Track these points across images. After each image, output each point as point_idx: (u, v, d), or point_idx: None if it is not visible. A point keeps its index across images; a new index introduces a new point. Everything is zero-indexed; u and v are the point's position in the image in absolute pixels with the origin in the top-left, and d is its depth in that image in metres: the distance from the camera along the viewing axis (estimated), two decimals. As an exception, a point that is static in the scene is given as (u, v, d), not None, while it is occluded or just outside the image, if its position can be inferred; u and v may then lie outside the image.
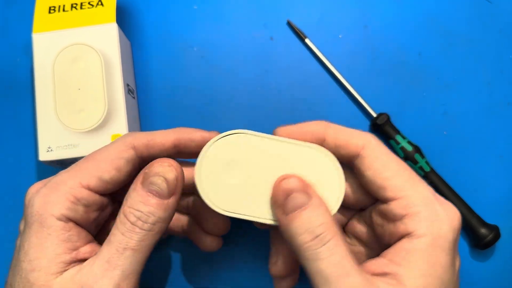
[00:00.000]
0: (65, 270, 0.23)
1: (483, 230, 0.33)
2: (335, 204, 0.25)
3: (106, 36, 0.34)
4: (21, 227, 0.25)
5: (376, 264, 0.24)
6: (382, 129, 0.36)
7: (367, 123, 0.37)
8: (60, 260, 0.23)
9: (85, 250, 0.24)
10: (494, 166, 0.36)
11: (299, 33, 0.38)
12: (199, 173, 0.25)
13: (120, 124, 0.33)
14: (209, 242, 0.30)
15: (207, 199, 0.25)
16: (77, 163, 0.26)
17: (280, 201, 0.24)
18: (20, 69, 0.38)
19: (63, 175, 0.25)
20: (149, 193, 0.23)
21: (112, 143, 0.26)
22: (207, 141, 0.25)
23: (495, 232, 0.33)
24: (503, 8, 0.39)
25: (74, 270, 0.23)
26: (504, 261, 0.35)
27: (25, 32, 0.37)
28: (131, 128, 0.34)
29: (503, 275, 0.35)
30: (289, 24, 0.39)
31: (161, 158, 0.25)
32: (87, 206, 0.25)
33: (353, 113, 0.37)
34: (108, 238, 0.24)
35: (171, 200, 0.24)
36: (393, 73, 0.38)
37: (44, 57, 0.33)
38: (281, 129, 0.27)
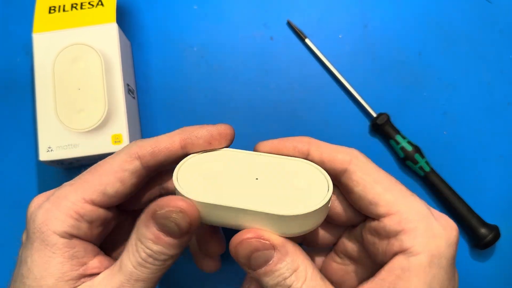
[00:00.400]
0: (75, 287, 0.23)
1: (483, 230, 0.33)
2: (326, 193, 0.23)
3: (106, 36, 0.34)
4: (24, 238, 0.25)
5: (369, 286, 0.23)
6: (382, 129, 0.36)
7: (367, 123, 0.37)
8: (68, 277, 0.23)
9: (93, 264, 0.24)
10: (494, 166, 0.36)
11: (299, 33, 0.38)
12: (176, 178, 0.24)
13: (120, 124, 0.33)
14: (208, 264, 0.29)
15: (179, 187, 0.23)
16: (81, 175, 0.25)
17: (244, 261, 0.23)
18: (20, 69, 0.38)
19: (66, 189, 0.24)
20: (160, 232, 0.22)
21: (116, 153, 0.25)
22: (215, 136, 0.25)
23: (495, 232, 0.33)
24: (503, 8, 0.39)
25: (84, 286, 0.23)
26: (504, 261, 0.35)
27: (25, 32, 0.37)
28: (131, 128, 0.34)
29: (503, 275, 0.35)
30: (289, 24, 0.39)
31: (176, 198, 0.22)
32: (90, 222, 0.24)
33: (353, 113, 0.37)
34: (119, 263, 0.23)
35: (184, 239, 0.23)
36: (393, 73, 0.38)
37: (44, 57, 0.33)
38: (262, 144, 0.26)
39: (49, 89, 0.33)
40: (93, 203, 0.24)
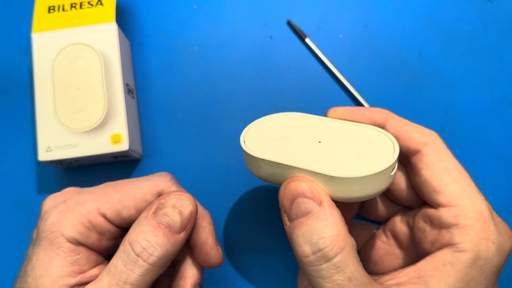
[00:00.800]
0: None
1: None
2: (385, 167, 0.22)
3: (106, 36, 0.34)
4: (34, 235, 0.25)
5: (406, 273, 0.22)
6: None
7: None
8: (64, 282, 0.23)
9: (92, 273, 0.24)
10: (495, 166, 0.36)
11: (299, 32, 0.38)
12: (243, 138, 0.24)
13: (120, 124, 0.33)
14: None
15: (246, 147, 0.24)
16: (104, 185, 0.25)
17: (286, 205, 0.22)
18: (20, 69, 0.38)
19: (85, 196, 0.24)
20: (160, 224, 0.22)
21: (147, 178, 0.26)
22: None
23: None
24: (504, 8, 0.39)
25: None
26: None
27: (25, 32, 0.37)
28: (130, 128, 0.33)
29: (503, 275, 0.35)
30: (289, 23, 0.39)
31: (179, 191, 0.24)
32: (100, 233, 0.24)
33: None
34: (109, 266, 0.22)
35: (181, 236, 0.23)
36: (393, 72, 0.38)
37: (43, 57, 0.33)
38: (335, 109, 0.25)
39: (49, 89, 0.33)
40: (106, 217, 0.24)
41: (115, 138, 0.32)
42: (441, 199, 0.22)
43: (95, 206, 0.24)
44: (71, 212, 0.23)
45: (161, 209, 0.23)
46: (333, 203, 0.21)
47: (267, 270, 0.34)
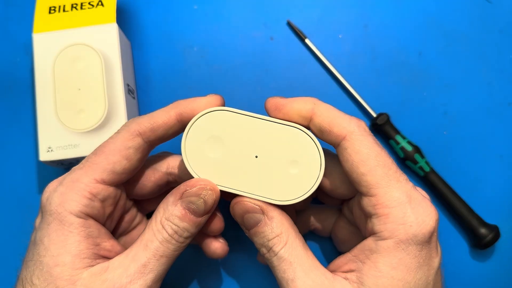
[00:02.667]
0: (91, 266, 0.24)
1: (483, 230, 0.33)
2: (314, 183, 0.25)
3: (106, 36, 0.34)
4: (37, 222, 0.26)
5: (344, 259, 0.25)
6: (382, 129, 0.35)
7: (367, 123, 0.37)
8: (85, 255, 0.24)
9: (106, 247, 0.25)
10: (494, 166, 0.36)
11: (299, 33, 0.38)
12: (184, 147, 0.26)
13: (120, 124, 0.32)
14: (215, 246, 0.30)
15: (192, 171, 0.26)
16: (87, 158, 0.26)
17: (239, 220, 0.26)
18: (20, 69, 0.38)
19: (77, 172, 0.25)
20: (187, 211, 0.25)
21: (117, 133, 0.26)
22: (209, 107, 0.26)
23: (495, 232, 0.33)
24: (503, 8, 0.39)
25: (100, 267, 0.24)
26: (504, 261, 0.35)
27: (26, 32, 0.37)
28: None
29: (503, 275, 0.35)
30: (289, 24, 0.39)
31: (203, 179, 0.26)
32: (103, 200, 0.26)
33: (353, 113, 0.37)
34: (142, 242, 0.25)
35: (203, 218, 0.26)
36: (393, 73, 0.38)
37: (44, 57, 0.33)
38: (270, 102, 0.27)
39: (49, 89, 0.33)
40: (104, 182, 0.25)
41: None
42: (362, 189, 0.24)
43: (91, 177, 0.25)
44: (71, 190, 0.25)
45: (187, 196, 0.25)
46: (273, 208, 0.25)
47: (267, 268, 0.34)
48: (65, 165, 0.34)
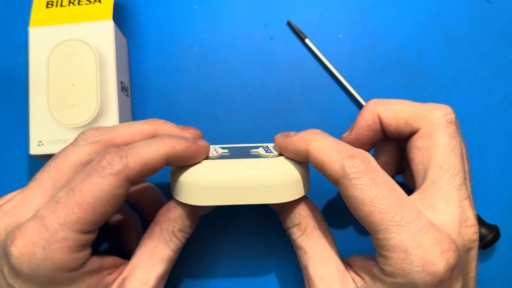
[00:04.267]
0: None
1: (483, 230, 0.32)
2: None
3: (102, 33, 0.33)
4: (12, 283, 0.22)
5: (361, 260, 0.25)
6: None
7: None
8: None
9: (109, 265, 0.25)
10: (494, 166, 0.35)
11: (299, 33, 0.38)
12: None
13: (112, 121, 0.32)
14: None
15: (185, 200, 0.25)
16: (66, 204, 0.21)
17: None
18: (20, 68, 0.36)
19: (59, 230, 0.21)
20: (196, 218, 0.28)
21: (101, 176, 0.21)
22: (196, 155, 0.25)
23: (495, 232, 0.32)
24: (503, 8, 0.38)
25: (116, 285, 0.24)
26: (504, 261, 0.34)
27: (25, 31, 0.37)
28: None
29: (503, 275, 0.34)
30: (289, 24, 0.38)
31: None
32: (90, 245, 0.23)
33: (353, 113, 0.36)
34: (154, 255, 0.26)
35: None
36: (393, 72, 0.37)
37: (39, 52, 0.32)
38: (275, 140, 0.28)
39: (43, 84, 0.32)
40: (90, 232, 0.22)
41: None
42: (367, 229, 0.23)
43: (76, 232, 0.22)
44: (60, 252, 0.21)
45: (197, 209, 0.27)
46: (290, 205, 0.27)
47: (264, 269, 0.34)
48: None
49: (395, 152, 0.29)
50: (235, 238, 0.34)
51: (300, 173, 0.26)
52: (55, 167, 0.24)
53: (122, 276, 0.24)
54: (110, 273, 0.24)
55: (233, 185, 0.24)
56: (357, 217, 0.23)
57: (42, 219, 0.21)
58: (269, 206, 0.28)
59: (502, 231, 0.33)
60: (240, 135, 0.36)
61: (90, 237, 0.22)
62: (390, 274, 0.22)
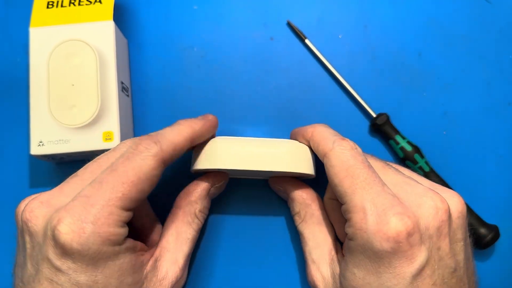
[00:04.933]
0: (148, 270, 0.26)
1: (482, 230, 0.32)
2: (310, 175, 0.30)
3: (102, 34, 0.33)
4: (60, 265, 0.22)
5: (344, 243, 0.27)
6: (382, 129, 0.35)
7: (366, 123, 0.36)
8: (139, 266, 0.26)
9: (142, 247, 0.27)
10: (494, 166, 0.35)
11: (299, 33, 0.37)
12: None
13: (112, 121, 0.32)
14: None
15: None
16: (109, 183, 0.23)
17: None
18: (20, 69, 0.36)
19: (105, 206, 0.23)
20: (210, 199, 0.31)
21: (139, 156, 0.24)
22: (209, 130, 0.30)
23: (495, 232, 0.32)
24: (503, 9, 0.38)
25: (150, 267, 0.27)
26: (504, 261, 0.34)
27: (26, 32, 0.37)
28: (123, 126, 0.32)
29: (503, 275, 0.34)
30: (289, 24, 0.38)
31: (220, 174, 0.31)
32: (126, 226, 0.25)
33: (352, 113, 0.36)
34: (180, 235, 0.29)
35: None
36: (393, 73, 0.37)
37: (40, 52, 0.32)
38: (292, 132, 0.33)
39: (43, 84, 0.31)
40: (130, 209, 0.24)
41: (107, 135, 0.31)
42: (338, 198, 0.26)
43: (121, 208, 0.24)
44: (103, 226, 0.23)
45: (213, 189, 0.31)
46: (294, 189, 0.32)
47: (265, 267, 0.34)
48: (56, 160, 0.33)
49: None
50: (238, 245, 0.34)
51: (309, 153, 0.30)
52: (97, 165, 0.26)
53: (154, 257, 0.27)
54: (142, 254, 0.26)
55: (252, 150, 0.28)
56: (332, 185, 0.26)
57: (88, 197, 0.23)
58: (280, 195, 0.33)
59: (501, 231, 0.33)
60: (240, 135, 0.36)
61: (130, 214, 0.24)
62: (352, 237, 0.24)
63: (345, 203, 0.25)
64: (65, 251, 0.22)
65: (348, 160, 0.26)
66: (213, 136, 0.31)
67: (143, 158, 0.24)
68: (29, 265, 0.23)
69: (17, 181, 0.35)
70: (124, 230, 0.24)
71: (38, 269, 0.22)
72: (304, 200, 0.30)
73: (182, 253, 0.28)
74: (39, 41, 0.33)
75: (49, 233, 0.22)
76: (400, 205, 0.23)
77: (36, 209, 0.23)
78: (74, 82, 0.31)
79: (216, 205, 0.34)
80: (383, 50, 0.37)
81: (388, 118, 0.35)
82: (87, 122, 0.31)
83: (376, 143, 0.36)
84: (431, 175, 0.34)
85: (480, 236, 0.33)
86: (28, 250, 0.23)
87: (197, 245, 0.33)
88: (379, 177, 0.25)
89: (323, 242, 0.29)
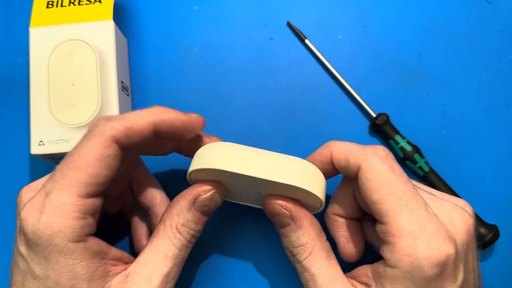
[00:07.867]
0: (109, 282, 0.24)
1: (482, 230, 0.32)
2: (319, 204, 0.26)
3: (102, 33, 0.33)
4: (22, 250, 0.23)
5: (363, 271, 0.26)
6: (382, 129, 0.34)
7: (366, 123, 0.36)
8: (98, 276, 0.23)
9: (112, 256, 0.24)
10: (493, 166, 0.35)
11: (299, 33, 0.37)
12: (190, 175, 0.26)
13: None
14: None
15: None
16: (62, 173, 0.22)
17: (270, 218, 0.27)
18: (21, 69, 0.36)
19: (57, 194, 0.22)
20: (200, 213, 0.26)
21: (88, 137, 0.23)
22: (187, 126, 0.26)
23: (494, 231, 0.32)
24: (503, 9, 0.38)
25: (118, 279, 0.24)
26: (504, 261, 0.34)
27: (26, 32, 0.37)
28: None
29: (502, 275, 0.33)
30: (289, 24, 0.38)
31: (211, 183, 0.26)
32: (93, 214, 0.23)
33: (352, 113, 0.36)
34: (159, 251, 0.25)
35: (209, 216, 0.27)
36: (393, 73, 0.37)
37: (40, 52, 0.32)
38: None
39: (44, 84, 0.31)
40: (89, 196, 0.23)
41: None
42: (375, 216, 0.24)
43: (75, 195, 0.22)
44: (59, 217, 0.22)
45: (201, 201, 0.25)
46: (304, 214, 0.26)
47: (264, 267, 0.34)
48: (56, 159, 0.33)
49: (351, 192, 0.29)
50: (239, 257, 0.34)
51: (323, 178, 0.26)
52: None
53: (126, 272, 0.24)
54: (114, 265, 0.24)
55: (257, 156, 0.24)
56: (369, 201, 0.24)
57: (44, 186, 0.23)
58: (274, 223, 0.27)
59: (501, 231, 0.33)
60: (240, 135, 0.36)
61: (89, 203, 0.23)
62: (395, 264, 0.22)
63: (386, 223, 0.23)
64: (25, 238, 0.22)
65: (387, 173, 0.24)
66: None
67: (90, 138, 0.23)
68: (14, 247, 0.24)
69: (18, 180, 0.35)
70: (81, 223, 0.22)
71: (14, 253, 0.24)
72: (314, 230, 0.26)
73: (160, 272, 0.24)
74: (39, 41, 0.33)
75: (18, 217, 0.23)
76: (444, 228, 0.23)
77: (24, 193, 0.24)
78: (74, 81, 0.31)
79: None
80: (383, 50, 0.37)
81: (388, 118, 0.35)
82: (87, 122, 0.31)
83: (376, 143, 0.36)
84: (431, 175, 0.34)
85: (480, 236, 0.32)
86: (16, 230, 0.24)
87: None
88: (420, 195, 0.24)
89: (336, 278, 0.25)
